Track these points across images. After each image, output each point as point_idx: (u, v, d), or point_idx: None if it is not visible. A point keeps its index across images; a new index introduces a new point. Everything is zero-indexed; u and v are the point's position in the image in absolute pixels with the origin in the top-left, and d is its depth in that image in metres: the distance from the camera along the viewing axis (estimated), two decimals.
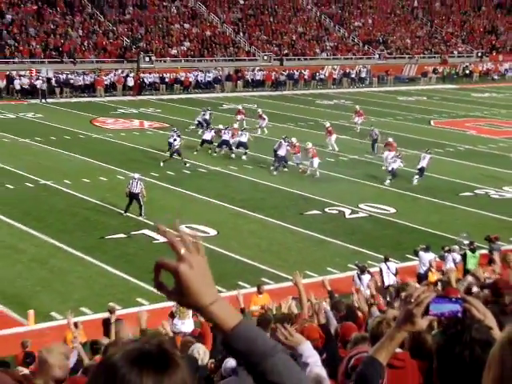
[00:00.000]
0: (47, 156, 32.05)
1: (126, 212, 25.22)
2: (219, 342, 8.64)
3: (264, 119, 39.89)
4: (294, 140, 31.15)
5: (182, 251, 1.90)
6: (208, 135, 33.94)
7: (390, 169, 31.49)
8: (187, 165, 31.39)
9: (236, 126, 36.65)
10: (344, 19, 67.75)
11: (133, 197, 25.17)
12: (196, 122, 36.55)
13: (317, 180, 30.28)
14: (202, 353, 10.42)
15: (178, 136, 32.40)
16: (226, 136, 33.02)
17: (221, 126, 34.95)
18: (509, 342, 2.34)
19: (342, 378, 5.10)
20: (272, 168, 30.04)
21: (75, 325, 15.87)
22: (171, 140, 33.23)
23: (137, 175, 26.01)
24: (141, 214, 25.14)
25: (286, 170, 30.56)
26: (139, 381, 1.71)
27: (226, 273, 20.18)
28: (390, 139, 33.14)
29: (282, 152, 30.39)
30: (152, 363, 1.76)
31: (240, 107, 43.49)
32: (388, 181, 30.70)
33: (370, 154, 34.84)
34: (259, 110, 41.55)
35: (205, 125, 35.94)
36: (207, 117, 35.54)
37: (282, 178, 29.68)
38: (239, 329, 2.05)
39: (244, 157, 32.31)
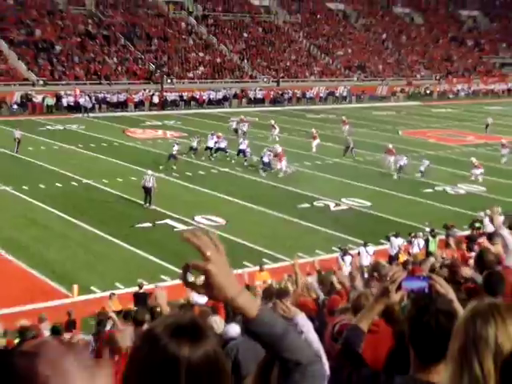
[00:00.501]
0: (88, 160, 32.07)
1: (145, 204, 25.20)
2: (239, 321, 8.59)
3: (275, 129, 39.55)
4: (279, 149, 31.15)
5: (208, 253, 1.91)
6: (211, 142, 33.73)
7: (398, 166, 32.15)
8: (175, 168, 31.16)
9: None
10: (329, 49, 67.97)
11: (146, 190, 25.16)
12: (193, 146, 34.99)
13: (306, 179, 30.22)
14: (218, 322, 10.37)
15: (177, 144, 32.26)
16: (243, 146, 32.71)
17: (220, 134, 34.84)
18: (472, 317, 2.38)
19: (329, 341, 5.07)
20: (261, 171, 30.42)
21: (110, 296, 15.84)
22: (194, 144, 33.46)
23: (150, 172, 26.01)
24: (150, 204, 25.16)
25: (272, 171, 30.51)
26: (177, 350, 1.70)
27: (233, 255, 20.09)
28: (390, 145, 33.25)
29: (265, 159, 30.59)
30: (187, 335, 1.74)
31: (243, 117, 43.23)
32: (396, 176, 31.53)
33: (346, 157, 34.78)
34: (272, 121, 41.25)
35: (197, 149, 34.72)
36: (195, 144, 34.67)
37: (279, 177, 29.55)
38: (260, 316, 2.05)
39: (245, 163, 32.14)
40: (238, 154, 32.40)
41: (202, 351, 1.74)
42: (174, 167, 30.80)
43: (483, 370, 2.35)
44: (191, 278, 2.02)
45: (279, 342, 2.07)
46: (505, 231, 6.52)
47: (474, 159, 31.99)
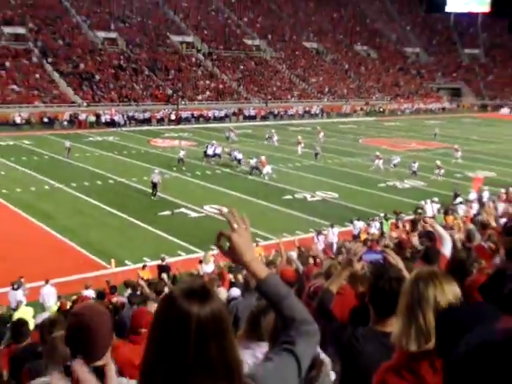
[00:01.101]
0: (121, 163, 32.06)
1: (152, 196, 25.07)
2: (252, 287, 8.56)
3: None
4: (263, 158, 30.91)
5: (235, 225, 2.08)
6: (210, 150, 33.42)
7: (392, 165, 32.94)
8: (184, 169, 31.30)
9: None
10: (305, 77, 67.72)
11: (154, 184, 24.98)
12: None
13: (289, 177, 30.19)
14: (223, 292, 10.37)
15: (182, 150, 32.32)
16: (240, 155, 32.48)
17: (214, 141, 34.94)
18: (416, 281, 2.53)
19: (306, 299, 5.06)
20: (249, 174, 30.47)
21: (143, 267, 15.85)
22: (209, 150, 33.26)
23: (157, 170, 25.90)
24: (154, 196, 25.02)
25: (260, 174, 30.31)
26: (189, 308, 1.70)
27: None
28: (377, 153, 33.26)
29: (253, 163, 30.54)
30: (197, 296, 1.73)
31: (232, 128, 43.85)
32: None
33: (316, 161, 34.61)
34: (272, 131, 42.15)
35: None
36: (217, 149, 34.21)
37: (275, 183, 29.35)
38: (268, 278, 2.10)
39: (237, 168, 32.23)
40: (233, 160, 32.23)
41: (209, 309, 1.73)
42: (184, 168, 30.68)
43: (426, 321, 2.43)
44: (225, 245, 2.11)
45: (282, 301, 2.07)
46: (440, 229, 6.49)
47: (438, 162, 32.14)
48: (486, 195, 23.70)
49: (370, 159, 34.83)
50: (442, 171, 31.46)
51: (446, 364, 1.05)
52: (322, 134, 41.77)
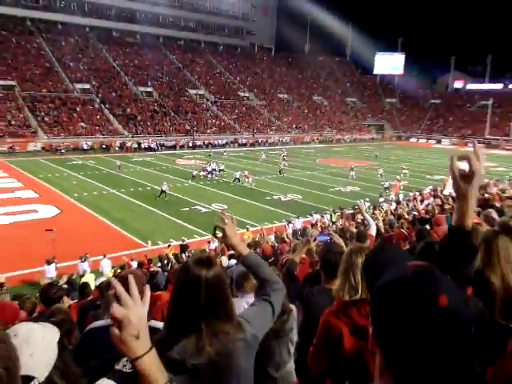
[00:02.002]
0: (155, 175, 31.66)
1: (157, 198, 24.30)
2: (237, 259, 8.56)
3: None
4: (246, 172, 30.36)
5: (226, 221, 2.18)
6: (209, 168, 32.52)
7: (380, 173, 32.91)
8: (191, 182, 30.46)
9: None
10: (280, 118, 67.51)
11: (162, 191, 24.49)
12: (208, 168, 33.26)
13: (269, 184, 29.84)
14: (224, 260, 10.26)
15: (195, 170, 31.20)
16: (237, 175, 30.22)
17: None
18: (350, 253, 2.54)
19: (280, 267, 4.94)
20: (232, 183, 29.51)
21: (168, 246, 15.72)
22: (213, 166, 32.39)
23: (165, 182, 25.24)
24: (164, 197, 24.25)
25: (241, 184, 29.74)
26: (199, 272, 1.75)
27: (242, 225, 20.11)
28: (352, 165, 34.38)
29: (236, 175, 29.86)
30: (205, 264, 1.78)
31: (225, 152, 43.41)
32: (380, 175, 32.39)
33: (281, 174, 34.24)
34: (262, 153, 42.40)
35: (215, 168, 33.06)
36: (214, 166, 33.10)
37: (254, 185, 29.14)
38: (249, 255, 2.16)
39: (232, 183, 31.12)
40: (234, 181, 30.23)
41: (213, 272, 1.78)
42: (191, 181, 30.04)
43: (355, 281, 2.42)
44: (219, 234, 2.24)
45: (258, 269, 2.12)
46: (368, 217, 6.48)
47: (405, 170, 33.83)
48: (401, 197, 23.95)
49: (327, 172, 34.95)
50: (406, 171, 33.65)
51: (371, 296, 1.07)
52: (263, 156, 41.70)
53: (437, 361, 0.88)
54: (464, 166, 1.41)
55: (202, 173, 31.95)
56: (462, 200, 1.46)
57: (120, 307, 1.17)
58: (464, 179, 1.43)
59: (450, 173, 1.47)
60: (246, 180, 29.75)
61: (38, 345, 1.23)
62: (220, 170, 32.98)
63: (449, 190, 19.92)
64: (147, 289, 1.29)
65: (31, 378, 1.14)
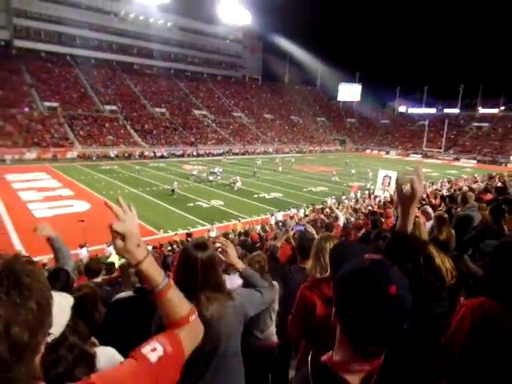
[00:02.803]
0: (166, 178, 31.18)
1: (171, 196, 23.80)
2: None
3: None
4: (237, 178, 29.18)
5: (228, 246, 1.90)
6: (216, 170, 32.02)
7: (369, 176, 32.04)
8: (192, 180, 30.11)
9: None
10: (265, 133, 67.06)
11: (173, 190, 24.15)
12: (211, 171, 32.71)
13: (257, 185, 29.57)
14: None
15: (195, 171, 30.94)
16: (233, 179, 29.36)
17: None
18: (320, 239, 2.48)
19: (265, 251, 4.96)
20: (227, 187, 27.98)
21: (175, 234, 15.50)
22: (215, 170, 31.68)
23: (176, 182, 24.95)
24: (171, 195, 23.71)
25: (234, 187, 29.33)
26: (196, 254, 1.72)
27: (227, 216, 19.90)
28: (334, 172, 33.25)
29: (232, 180, 28.81)
30: (201, 247, 1.75)
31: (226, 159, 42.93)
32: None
33: (255, 176, 33.89)
34: (257, 161, 40.76)
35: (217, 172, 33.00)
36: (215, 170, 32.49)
37: (248, 188, 28.86)
38: (245, 269, 2.05)
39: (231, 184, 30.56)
40: (229, 184, 29.07)
41: (207, 254, 1.76)
42: (191, 180, 29.83)
43: (324, 261, 2.36)
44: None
45: (251, 279, 2.06)
46: (337, 211, 6.47)
47: (370, 172, 33.10)
48: (358, 195, 23.94)
49: (302, 176, 34.94)
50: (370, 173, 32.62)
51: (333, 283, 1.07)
52: (259, 162, 40.64)
53: (384, 333, 0.91)
54: (407, 187, 1.42)
55: (210, 177, 30.98)
56: (405, 214, 1.48)
57: (120, 222, 1.10)
58: (406, 199, 1.44)
59: (397, 194, 1.49)
60: (236, 184, 28.72)
61: (55, 307, 1.21)
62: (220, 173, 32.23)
63: (377, 193, 20.25)
64: (133, 207, 1.22)
65: (48, 334, 1.12)
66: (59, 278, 2.52)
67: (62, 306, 1.26)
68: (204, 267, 1.74)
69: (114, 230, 1.09)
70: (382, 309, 0.89)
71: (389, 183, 18.94)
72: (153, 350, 0.98)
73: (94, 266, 4.48)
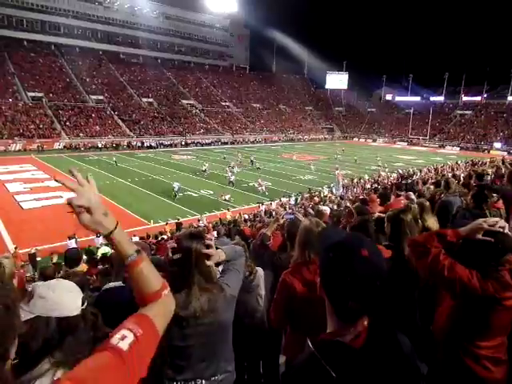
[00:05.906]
0: (155, 167, 31.03)
1: (175, 197, 22.12)
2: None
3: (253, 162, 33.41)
4: (259, 180, 26.03)
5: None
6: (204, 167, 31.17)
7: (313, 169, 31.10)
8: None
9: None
10: (253, 122, 66.72)
11: (174, 190, 22.75)
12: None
13: (249, 176, 29.48)
14: (214, 237, 10.09)
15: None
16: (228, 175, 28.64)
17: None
18: (305, 227, 2.46)
19: (257, 239, 5.01)
20: (229, 183, 26.28)
21: (166, 224, 15.45)
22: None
23: (176, 182, 22.84)
24: (175, 197, 21.71)
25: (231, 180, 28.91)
26: (190, 244, 1.73)
27: (220, 206, 19.86)
28: (337, 165, 32.77)
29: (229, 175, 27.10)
30: (194, 237, 1.76)
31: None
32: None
33: (252, 166, 33.66)
34: (252, 154, 37.68)
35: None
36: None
37: (237, 179, 28.70)
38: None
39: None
40: (228, 184, 29.01)
41: (201, 244, 1.77)
42: (202, 175, 29.61)
43: (309, 251, 2.36)
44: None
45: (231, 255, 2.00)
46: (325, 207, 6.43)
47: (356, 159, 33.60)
48: (345, 183, 24.11)
49: (291, 164, 34.95)
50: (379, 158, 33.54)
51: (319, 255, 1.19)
52: (253, 157, 37.26)
53: (360, 290, 1.02)
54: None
55: (231, 177, 26.49)
56: None
57: (79, 196, 1.02)
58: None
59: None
60: (260, 187, 25.13)
61: (71, 292, 1.29)
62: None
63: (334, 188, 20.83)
64: (90, 177, 1.15)
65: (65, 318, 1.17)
66: None
67: (75, 289, 1.27)
68: (198, 257, 1.74)
69: (76, 205, 1.02)
70: (355, 268, 1.02)
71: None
72: (122, 338, 0.94)
73: (72, 256, 4.42)
